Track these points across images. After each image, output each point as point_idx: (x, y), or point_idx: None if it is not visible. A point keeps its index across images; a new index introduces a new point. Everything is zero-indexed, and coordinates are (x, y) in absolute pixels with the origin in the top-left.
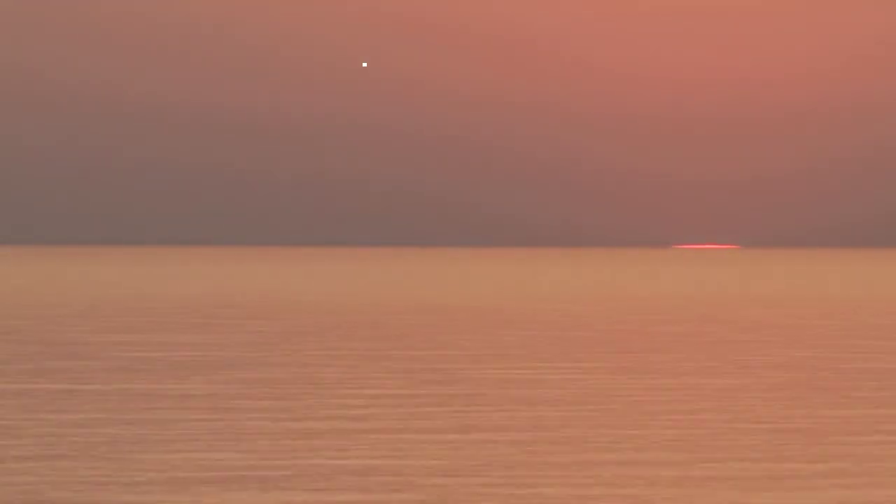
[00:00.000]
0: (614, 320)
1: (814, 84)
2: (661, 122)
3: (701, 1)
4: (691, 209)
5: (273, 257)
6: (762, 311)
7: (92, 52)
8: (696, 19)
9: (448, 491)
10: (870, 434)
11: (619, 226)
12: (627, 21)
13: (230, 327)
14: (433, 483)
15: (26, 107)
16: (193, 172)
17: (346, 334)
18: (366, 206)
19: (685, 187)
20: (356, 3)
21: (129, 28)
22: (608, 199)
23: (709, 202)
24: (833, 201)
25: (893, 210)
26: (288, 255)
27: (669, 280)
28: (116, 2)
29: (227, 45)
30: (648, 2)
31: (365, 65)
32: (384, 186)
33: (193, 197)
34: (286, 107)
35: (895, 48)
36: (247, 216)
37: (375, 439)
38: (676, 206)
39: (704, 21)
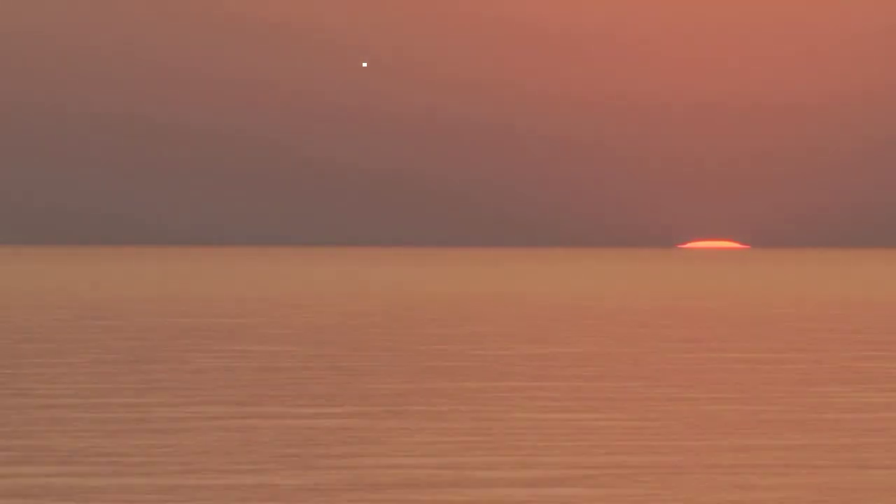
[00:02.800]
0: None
1: (825, 81)
2: (667, 115)
3: None
4: (693, 208)
5: (298, 257)
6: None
7: (92, 52)
8: (704, 16)
9: None
10: None
11: (619, 225)
12: (633, 21)
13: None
14: None
15: (24, 108)
16: (193, 173)
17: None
18: (365, 205)
19: (689, 185)
20: (357, 3)
21: (129, 30)
22: (607, 199)
23: (713, 200)
24: (847, 201)
25: None
26: (303, 254)
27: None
28: (114, 5)
29: (227, 45)
30: None
31: (365, 65)
32: (383, 186)
33: (193, 197)
34: (286, 107)
35: None
36: (244, 216)
37: None
38: (679, 205)
39: (714, 18)
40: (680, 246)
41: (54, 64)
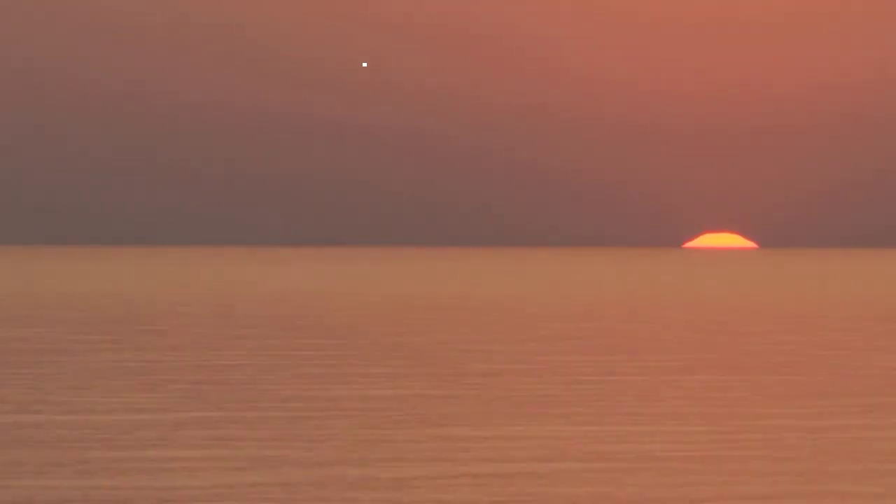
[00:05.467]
0: None
1: (834, 79)
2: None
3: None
4: (697, 208)
5: (301, 257)
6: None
7: (92, 52)
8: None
9: None
10: None
11: (623, 225)
12: (636, 13)
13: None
14: None
15: (27, 105)
16: (194, 173)
17: None
18: (366, 205)
19: (694, 185)
20: (356, 2)
21: (130, 29)
22: (611, 199)
23: (721, 199)
24: (861, 202)
25: None
26: (309, 255)
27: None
28: (116, 1)
29: (227, 45)
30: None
31: (365, 65)
32: (385, 186)
33: (193, 197)
34: (286, 106)
35: None
36: (244, 216)
37: None
38: (682, 205)
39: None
40: (685, 245)
41: (55, 66)
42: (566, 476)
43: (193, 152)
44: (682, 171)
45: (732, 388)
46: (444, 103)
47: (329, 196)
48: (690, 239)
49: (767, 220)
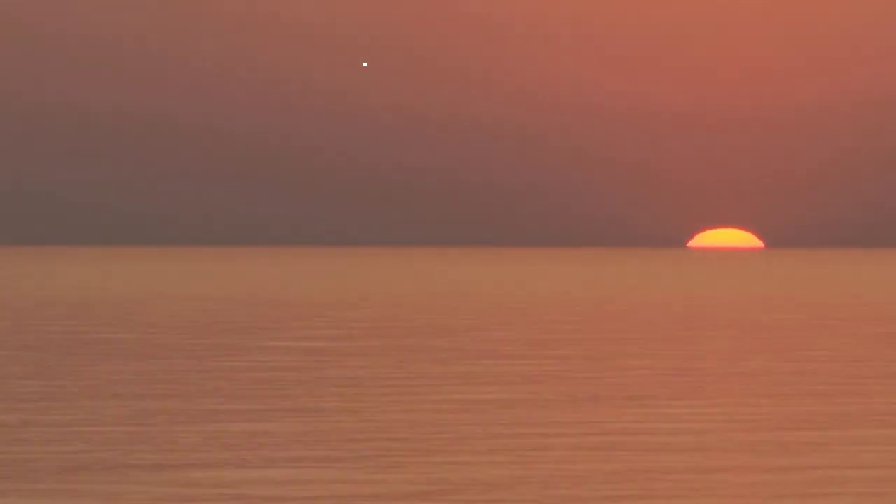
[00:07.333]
0: None
1: (841, 80)
2: (680, 117)
3: None
4: (702, 208)
5: (292, 257)
6: None
7: (91, 49)
8: (721, 13)
9: None
10: None
11: (627, 225)
12: (639, 15)
13: None
14: None
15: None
16: (194, 172)
17: None
18: (367, 205)
19: (699, 184)
20: (356, 2)
21: (131, 29)
22: (617, 197)
23: (727, 197)
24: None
25: None
26: (302, 254)
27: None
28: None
29: (226, 44)
30: None
31: (365, 65)
32: (385, 185)
33: (193, 197)
34: (288, 105)
35: None
36: (245, 216)
37: None
38: (687, 204)
39: (728, 14)
40: (689, 244)
41: (60, 65)
42: None
43: (193, 151)
44: (676, 168)
45: None
46: (444, 105)
47: (327, 195)
48: (689, 238)
49: (765, 216)
